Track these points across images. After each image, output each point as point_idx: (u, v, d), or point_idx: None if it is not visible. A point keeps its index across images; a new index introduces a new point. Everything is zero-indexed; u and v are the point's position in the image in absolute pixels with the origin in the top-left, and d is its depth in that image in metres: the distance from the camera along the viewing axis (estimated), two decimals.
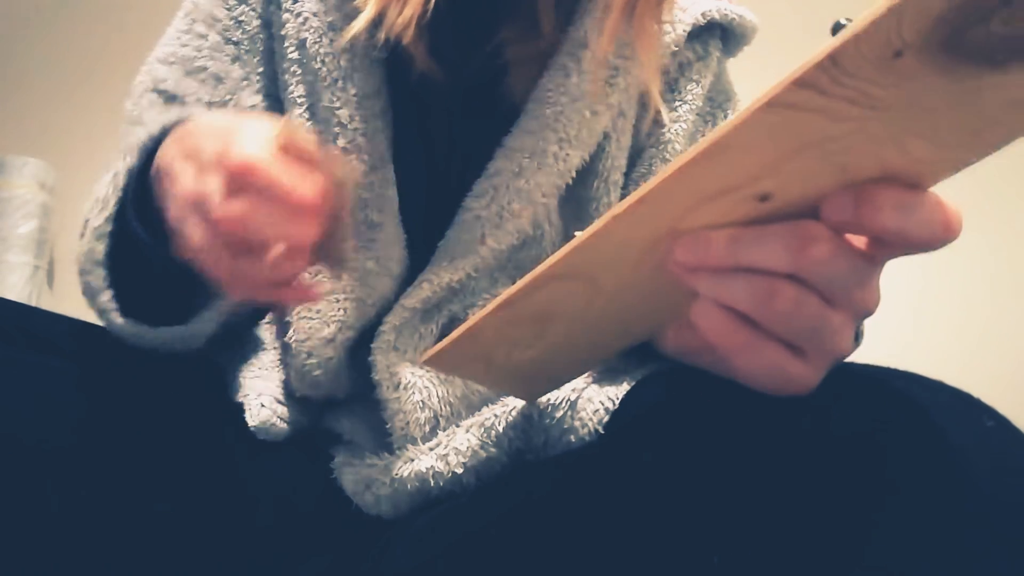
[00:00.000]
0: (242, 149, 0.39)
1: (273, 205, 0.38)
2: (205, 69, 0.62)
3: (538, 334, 0.40)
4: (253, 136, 0.40)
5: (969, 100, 0.26)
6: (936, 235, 0.31)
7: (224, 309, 0.52)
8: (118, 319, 0.50)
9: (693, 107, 0.65)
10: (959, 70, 0.25)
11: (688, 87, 0.65)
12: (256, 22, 0.63)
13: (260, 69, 0.63)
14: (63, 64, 1.24)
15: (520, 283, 0.36)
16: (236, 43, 0.63)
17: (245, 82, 0.62)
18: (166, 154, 0.45)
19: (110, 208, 0.49)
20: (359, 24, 0.54)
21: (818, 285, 0.32)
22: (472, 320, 0.39)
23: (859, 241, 0.32)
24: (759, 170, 0.30)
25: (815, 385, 0.35)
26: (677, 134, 0.64)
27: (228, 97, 0.62)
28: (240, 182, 0.39)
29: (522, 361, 0.42)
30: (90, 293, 0.51)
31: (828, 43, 0.26)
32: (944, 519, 0.32)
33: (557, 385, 0.48)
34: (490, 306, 0.38)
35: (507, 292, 0.37)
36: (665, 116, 0.64)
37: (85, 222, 0.51)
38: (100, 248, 0.49)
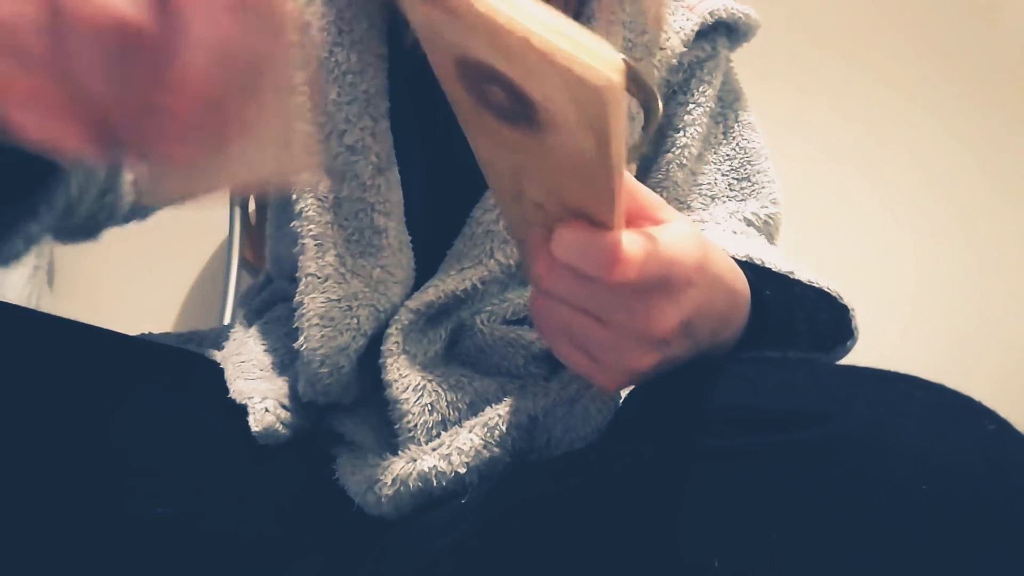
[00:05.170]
0: None
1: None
2: None
3: None
4: None
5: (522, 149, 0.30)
6: (600, 273, 0.33)
7: None
8: None
9: (706, 109, 0.65)
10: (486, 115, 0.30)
11: (700, 88, 0.65)
12: None
13: None
14: None
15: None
16: None
17: None
18: None
19: None
20: None
21: (565, 299, 0.35)
22: None
23: None
24: (510, 173, 0.33)
25: (613, 389, 0.37)
26: (693, 138, 0.64)
27: None
28: None
29: None
30: None
31: None
32: (945, 522, 0.32)
33: None
34: None
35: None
36: (680, 120, 0.64)
37: None
38: None
